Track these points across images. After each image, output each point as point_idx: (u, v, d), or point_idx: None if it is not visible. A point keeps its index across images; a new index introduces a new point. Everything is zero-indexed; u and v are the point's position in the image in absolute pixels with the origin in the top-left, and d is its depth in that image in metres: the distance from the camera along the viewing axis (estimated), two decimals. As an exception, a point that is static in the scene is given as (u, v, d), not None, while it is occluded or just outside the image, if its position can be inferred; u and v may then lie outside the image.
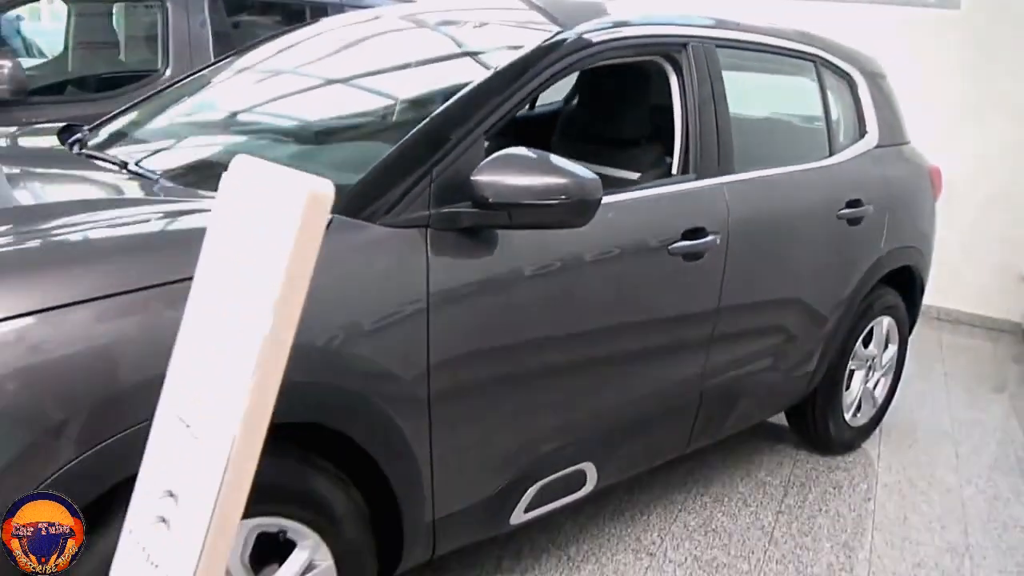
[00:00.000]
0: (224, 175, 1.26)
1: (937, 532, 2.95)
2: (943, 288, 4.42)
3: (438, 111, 1.99)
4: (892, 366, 3.54)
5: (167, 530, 1.20)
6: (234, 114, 2.54)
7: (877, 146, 3.25)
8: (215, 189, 1.86)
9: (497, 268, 1.97)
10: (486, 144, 2.00)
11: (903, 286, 3.41)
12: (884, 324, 3.39)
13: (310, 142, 2.31)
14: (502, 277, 1.98)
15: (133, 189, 2.01)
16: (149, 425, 1.34)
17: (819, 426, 3.30)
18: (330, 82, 2.58)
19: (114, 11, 4.79)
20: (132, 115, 2.59)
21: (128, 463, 1.39)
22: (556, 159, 1.89)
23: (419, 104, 2.30)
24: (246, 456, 1.14)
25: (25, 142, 2.55)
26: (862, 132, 3.23)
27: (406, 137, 1.93)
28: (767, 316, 2.81)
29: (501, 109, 2.03)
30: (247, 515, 1.42)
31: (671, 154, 2.55)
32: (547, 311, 2.10)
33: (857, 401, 3.39)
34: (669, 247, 2.34)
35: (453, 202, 1.88)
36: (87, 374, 1.40)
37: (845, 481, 3.25)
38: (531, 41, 2.21)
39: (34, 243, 1.62)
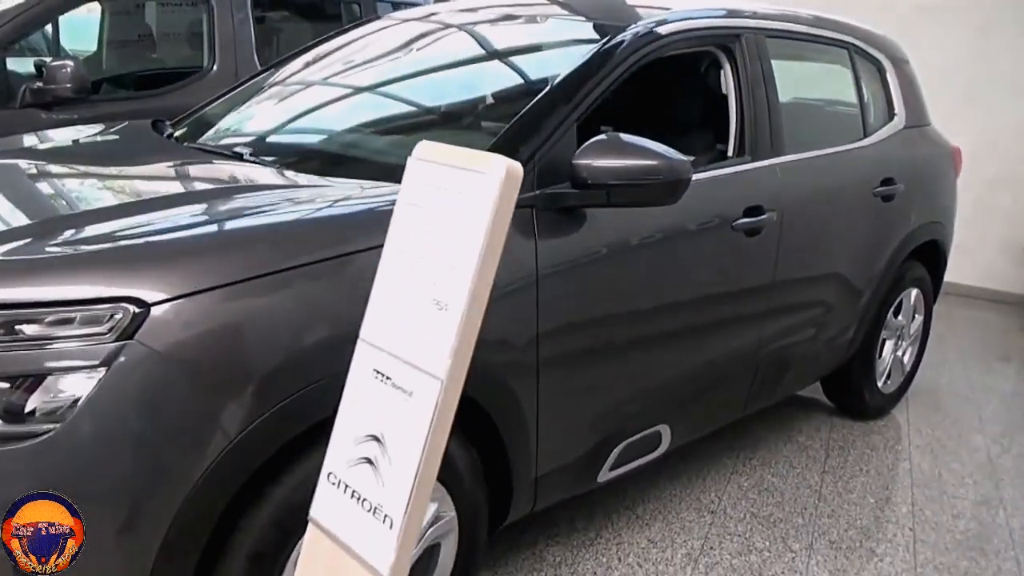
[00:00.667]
0: (410, 157, 1.42)
1: (971, 487, 3.17)
2: (951, 263, 4.64)
3: (536, 101, 2.16)
4: (919, 335, 3.76)
5: (374, 471, 1.37)
6: (329, 105, 2.69)
7: (905, 127, 3.45)
8: (332, 175, 2.05)
9: (591, 244, 2.14)
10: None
11: (929, 259, 3.63)
12: (912, 295, 3.60)
13: (409, 131, 2.47)
14: (594, 253, 2.15)
15: (267, 176, 2.16)
16: (324, 382, 1.53)
17: (854, 392, 3.51)
18: (416, 74, 2.74)
19: (147, 8, 4.90)
20: (223, 109, 2.74)
21: (306, 417, 1.58)
22: (649, 143, 2.06)
23: (510, 95, 2.47)
24: (449, 406, 1.31)
25: (128, 138, 2.69)
26: (891, 115, 3.43)
27: (510, 125, 2.10)
28: (814, 289, 3.01)
29: (590, 98, 2.21)
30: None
31: (721, 138, 2.74)
32: (631, 284, 2.29)
33: (888, 369, 3.60)
34: (732, 224, 2.53)
35: (552, 184, 2.05)
36: (274, 337, 1.57)
37: (880, 443, 3.46)
38: (604, 35, 2.39)
39: (227, 222, 1.78)
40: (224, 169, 2.21)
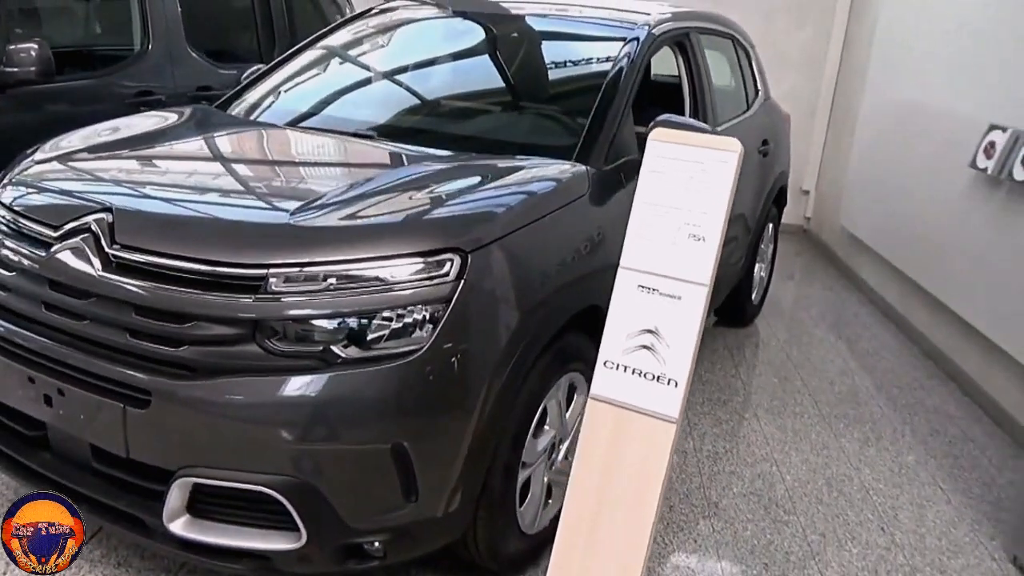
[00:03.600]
0: (650, 135, 2.06)
1: (831, 362, 4.35)
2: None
3: (603, 94, 2.81)
4: (770, 259, 4.91)
5: (652, 353, 2.03)
6: (435, 92, 3.15)
7: (765, 100, 4.51)
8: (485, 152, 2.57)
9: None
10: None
11: (777, 200, 4.75)
12: (769, 228, 4.71)
13: (506, 113, 3.02)
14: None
15: (447, 155, 2.58)
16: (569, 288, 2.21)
17: (739, 306, 4.55)
18: (477, 63, 3.25)
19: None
20: (282, 88, 3.10)
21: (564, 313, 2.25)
22: (696, 121, 2.82)
23: (573, 86, 3.10)
24: (705, 309, 2.00)
25: (212, 121, 2.95)
26: (756, 90, 4.47)
27: (594, 114, 2.73)
28: (734, 226, 3.96)
29: (633, 87, 2.91)
30: (564, 371, 2.31)
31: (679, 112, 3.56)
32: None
33: (755, 286, 4.70)
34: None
35: (620, 155, 2.74)
36: (534, 264, 2.15)
37: (762, 341, 4.56)
38: (628, 32, 3.09)
39: (486, 190, 2.28)
40: (402, 150, 2.64)
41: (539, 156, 2.58)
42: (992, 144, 3.88)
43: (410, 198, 2.16)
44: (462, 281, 1.96)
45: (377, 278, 1.90)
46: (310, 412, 1.86)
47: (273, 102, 3.08)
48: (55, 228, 2.08)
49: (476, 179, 2.33)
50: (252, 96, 3.16)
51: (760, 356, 4.35)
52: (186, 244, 1.94)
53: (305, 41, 3.49)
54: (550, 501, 2.52)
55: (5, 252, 2.15)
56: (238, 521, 1.97)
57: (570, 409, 2.51)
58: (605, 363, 2.09)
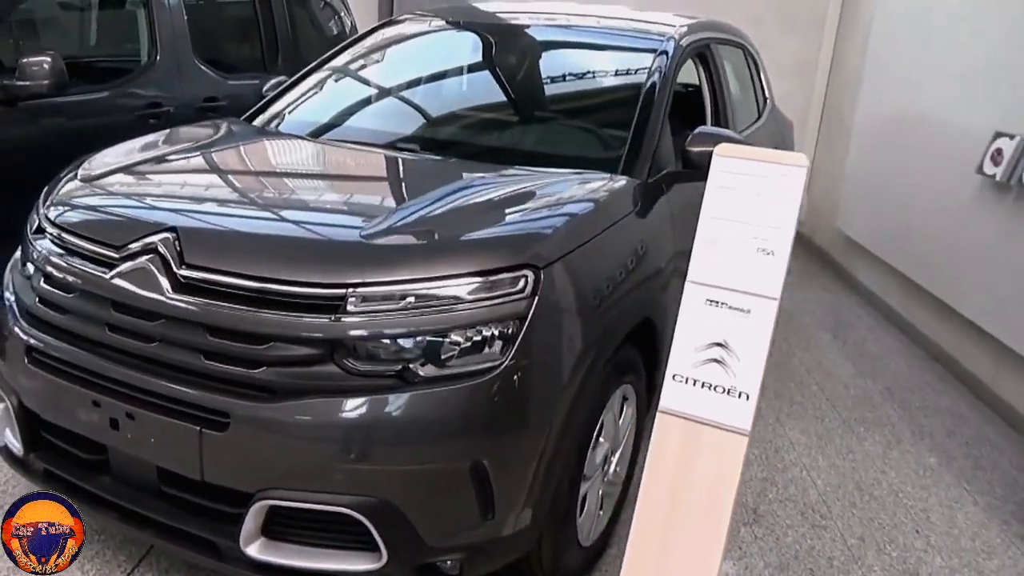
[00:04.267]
0: (715, 151, 2.08)
1: (841, 365, 4.42)
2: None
3: (642, 108, 2.83)
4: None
5: (722, 366, 2.05)
6: (473, 105, 3.15)
7: (772, 107, 4.57)
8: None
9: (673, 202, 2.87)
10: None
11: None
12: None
13: (513, 127, 3.03)
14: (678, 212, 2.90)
15: (499, 170, 2.57)
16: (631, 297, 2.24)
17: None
18: (512, 76, 3.25)
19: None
20: (313, 101, 3.08)
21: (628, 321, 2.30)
22: (732, 132, 2.85)
23: (610, 98, 3.12)
24: (773, 322, 2.03)
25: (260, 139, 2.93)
26: (765, 98, 4.53)
27: (635, 128, 2.76)
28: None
29: (668, 99, 2.94)
30: (620, 384, 2.34)
31: (701, 120, 3.59)
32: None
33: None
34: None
35: (662, 168, 2.76)
36: (597, 276, 2.17)
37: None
38: (657, 44, 3.12)
39: (551, 208, 2.28)
40: (451, 165, 2.64)
41: (583, 169, 2.59)
42: (999, 151, 3.97)
43: (478, 214, 2.16)
44: (536, 297, 1.96)
45: (455, 296, 1.90)
46: (392, 431, 1.85)
47: (307, 116, 3.06)
48: (117, 248, 2.04)
49: (535, 194, 2.33)
50: (281, 109, 3.13)
51: (771, 360, 4.39)
52: (261, 265, 1.93)
53: (328, 53, 3.46)
54: (601, 512, 2.53)
55: (61, 273, 2.12)
56: (314, 543, 1.95)
57: (620, 420, 2.52)
58: (674, 376, 2.10)
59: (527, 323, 1.94)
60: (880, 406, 3.97)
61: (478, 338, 1.90)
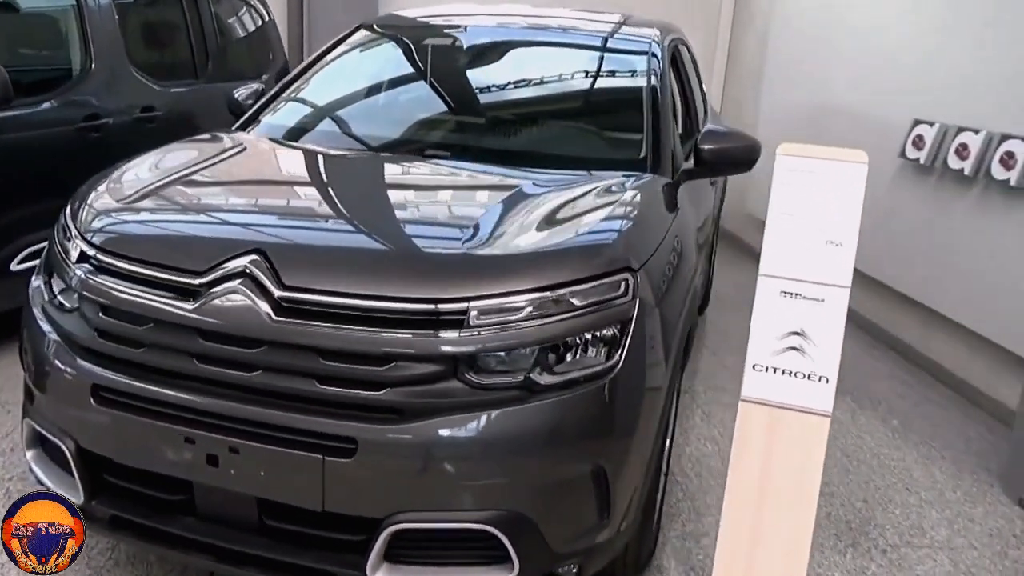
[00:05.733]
0: (778, 150, 2.20)
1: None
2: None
3: (654, 101, 2.93)
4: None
5: (800, 354, 2.17)
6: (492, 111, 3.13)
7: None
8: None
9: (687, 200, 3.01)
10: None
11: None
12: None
13: (537, 132, 3.05)
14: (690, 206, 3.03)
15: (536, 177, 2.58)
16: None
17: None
18: (526, 82, 3.25)
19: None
20: (321, 110, 2.99)
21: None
22: (739, 131, 2.99)
23: (614, 100, 3.19)
24: (846, 308, 2.17)
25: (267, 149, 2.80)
26: (704, 96, 4.74)
27: (654, 127, 2.85)
28: (706, 227, 4.20)
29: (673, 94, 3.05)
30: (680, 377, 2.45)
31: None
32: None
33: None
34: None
35: (679, 166, 2.88)
36: (675, 276, 2.25)
37: (718, 327, 4.85)
38: (642, 46, 3.23)
39: (622, 218, 2.27)
40: (501, 171, 2.63)
41: (613, 170, 2.66)
42: (920, 137, 4.36)
43: (568, 222, 2.18)
44: (637, 300, 2.02)
45: (568, 303, 1.93)
46: (523, 443, 1.86)
47: (321, 125, 2.96)
48: (197, 275, 1.93)
49: (602, 198, 2.37)
50: (281, 119, 3.01)
51: (729, 343, 4.64)
52: (372, 283, 1.87)
53: (311, 58, 3.35)
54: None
55: (127, 304, 1.97)
56: (437, 562, 1.93)
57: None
58: (754, 366, 2.22)
59: (633, 325, 1.99)
60: (833, 377, 4.28)
61: (592, 343, 1.94)
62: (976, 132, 3.97)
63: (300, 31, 6.57)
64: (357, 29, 3.50)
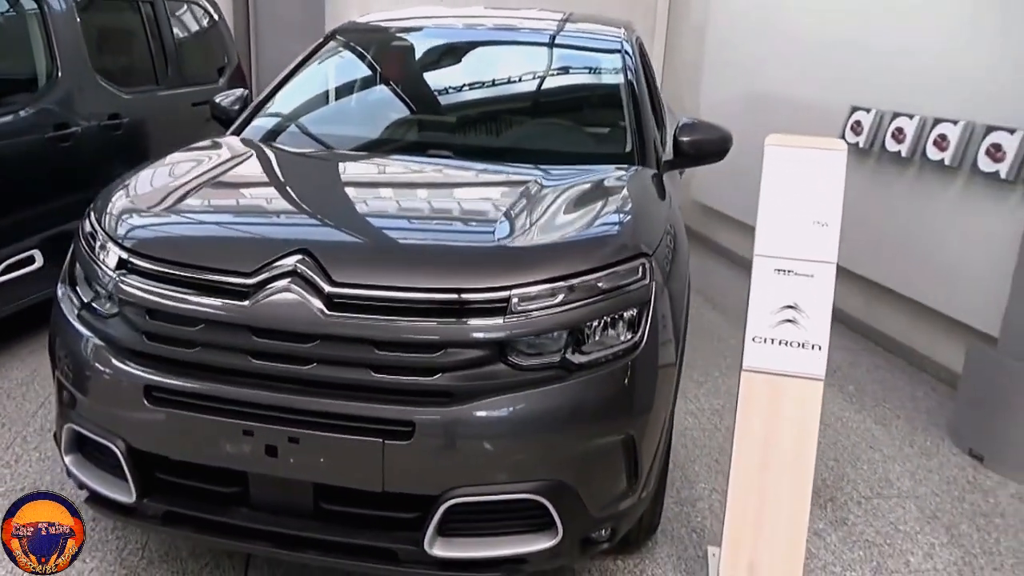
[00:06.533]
0: (767, 140, 2.42)
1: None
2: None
3: (632, 96, 3.13)
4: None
5: (795, 325, 2.40)
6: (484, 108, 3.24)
7: (660, 94, 5.04)
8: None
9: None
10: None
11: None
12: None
13: (526, 129, 3.20)
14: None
15: (538, 172, 2.72)
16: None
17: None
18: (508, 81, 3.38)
19: None
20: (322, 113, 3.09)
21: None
22: (713, 123, 3.20)
23: (595, 97, 3.36)
24: (833, 282, 2.40)
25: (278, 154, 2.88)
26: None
27: (639, 124, 3.05)
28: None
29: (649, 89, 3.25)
30: None
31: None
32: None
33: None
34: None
35: (662, 157, 3.08)
36: (677, 257, 2.44)
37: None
38: (612, 43, 3.42)
39: (630, 209, 2.43)
40: (503, 167, 2.78)
41: (604, 163, 2.84)
42: (859, 123, 4.69)
43: (583, 214, 2.35)
44: (653, 283, 2.20)
45: (596, 287, 2.10)
46: (564, 417, 2.02)
47: (325, 128, 3.06)
48: (247, 275, 2.02)
49: (606, 191, 2.55)
50: (282, 123, 3.09)
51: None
52: (420, 276, 2.01)
53: (298, 60, 3.42)
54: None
55: (176, 307, 2.05)
56: (486, 532, 2.08)
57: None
58: (754, 339, 2.43)
59: (651, 306, 2.17)
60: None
61: (613, 324, 2.11)
62: (911, 117, 4.30)
63: (247, 25, 6.54)
64: (333, 35, 3.59)
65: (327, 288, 1.98)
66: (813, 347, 2.40)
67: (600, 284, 2.10)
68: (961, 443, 3.58)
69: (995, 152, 3.78)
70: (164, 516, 2.14)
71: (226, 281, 2.03)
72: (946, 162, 4.05)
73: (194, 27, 5.13)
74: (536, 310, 2.02)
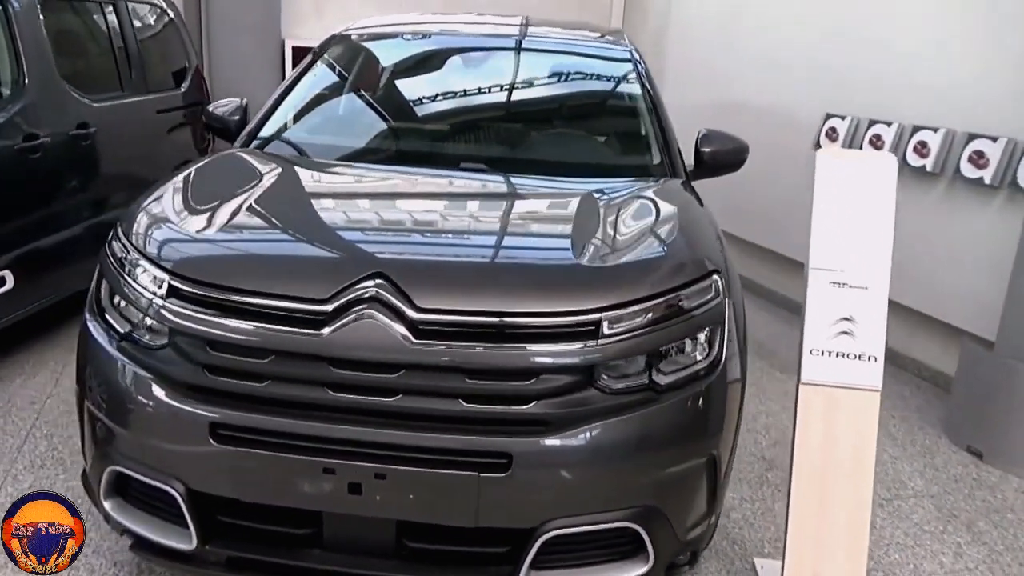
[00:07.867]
0: (818, 153, 2.42)
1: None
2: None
3: (651, 107, 3.10)
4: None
5: (851, 337, 2.41)
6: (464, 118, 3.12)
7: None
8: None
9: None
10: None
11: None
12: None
13: (554, 141, 3.13)
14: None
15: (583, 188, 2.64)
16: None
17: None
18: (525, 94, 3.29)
19: None
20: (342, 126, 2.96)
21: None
22: (730, 134, 3.21)
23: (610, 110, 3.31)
24: (887, 295, 2.42)
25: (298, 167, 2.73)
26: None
27: (660, 138, 3.02)
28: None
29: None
30: None
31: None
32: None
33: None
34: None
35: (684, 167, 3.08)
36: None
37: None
38: (619, 53, 3.39)
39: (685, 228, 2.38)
40: (550, 182, 2.72)
41: (636, 176, 2.81)
42: (834, 129, 4.80)
43: (649, 228, 2.30)
44: (727, 299, 2.18)
45: (679, 307, 2.06)
46: (658, 441, 1.98)
47: (350, 140, 2.93)
48: (322, 302, 1.90)
49: (658, 204, 2.51)
50: (305, 136, 2.95)
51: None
52: (509, 300, 1.92)
53: (300, 67, 3.26)
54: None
55: (241, 338, 1.91)
56: (576, 564, 2.01)
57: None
58: (811, 351, 2.43)
59: (725, 323, 2.15)
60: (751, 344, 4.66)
61: (700, 342, 2.08)
62: (888, 124, 4.42)
63: (199, 25, 6.25)
64: (332, 40, 3.45)
65: (411, 314, 1.87)
66: (869, 358, 2.41)
67: (682, 303, 2.06)
68: (959, 440, 3.70)
69: (978, 159, 3.91)
70: (228, 562, 2.00)
71: (299, 308, 1.90)
72: (928, 168, 4.17)
73: (153, 28, 4.85)
74: (624, 332, 1.96)
